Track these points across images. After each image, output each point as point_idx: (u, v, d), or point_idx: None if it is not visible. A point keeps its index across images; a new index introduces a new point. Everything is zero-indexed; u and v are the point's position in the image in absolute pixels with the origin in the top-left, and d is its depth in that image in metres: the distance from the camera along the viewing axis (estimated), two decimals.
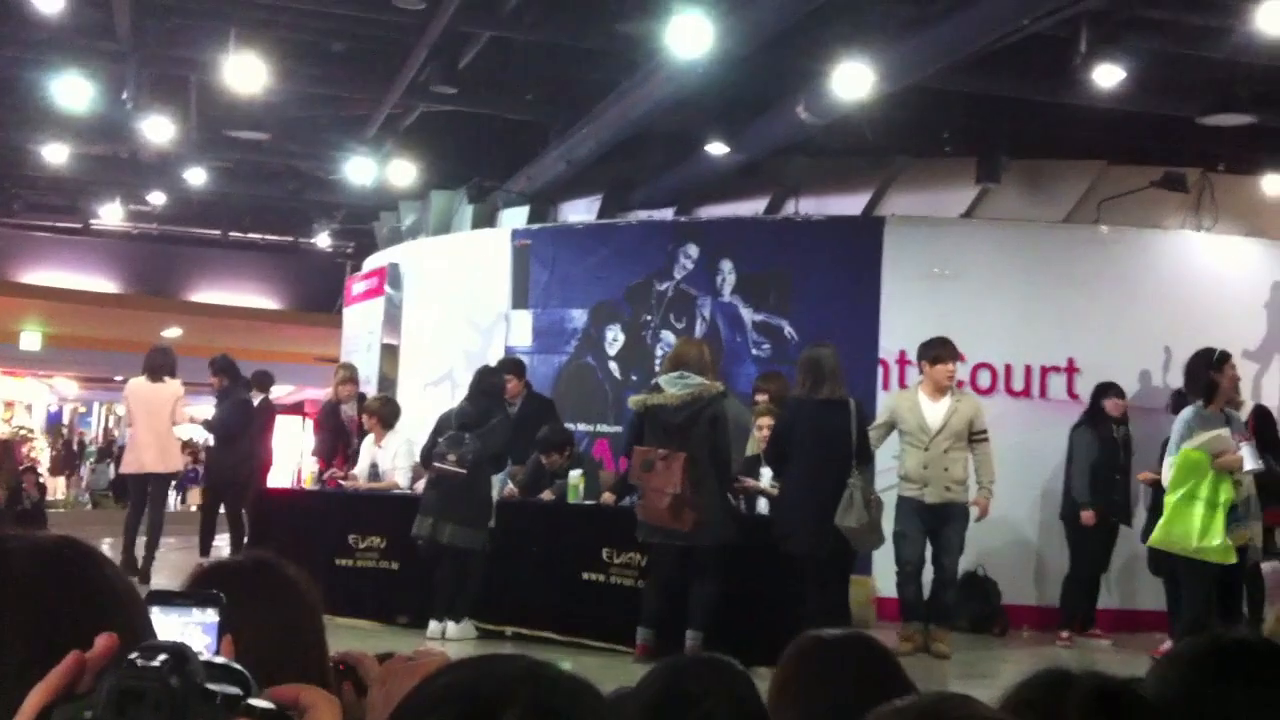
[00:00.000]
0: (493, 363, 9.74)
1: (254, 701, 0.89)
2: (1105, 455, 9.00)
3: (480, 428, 8.08)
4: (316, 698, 0.89)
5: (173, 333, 20.74)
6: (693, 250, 11.04)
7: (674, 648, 6.70)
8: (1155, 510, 8.73)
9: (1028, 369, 10.15)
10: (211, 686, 0.89)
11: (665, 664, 1.58)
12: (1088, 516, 8.97)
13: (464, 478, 7.94)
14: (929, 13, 8.05)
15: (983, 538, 9.04)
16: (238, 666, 0.93)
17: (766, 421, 7.97)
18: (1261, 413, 9.49)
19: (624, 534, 7.68)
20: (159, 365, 10.55)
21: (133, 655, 0.88)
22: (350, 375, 10.87)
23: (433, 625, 7.96)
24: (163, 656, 0.88)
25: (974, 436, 8.41)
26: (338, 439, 10.43)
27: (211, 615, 1.12)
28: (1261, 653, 1.54)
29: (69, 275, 19.02)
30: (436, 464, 8.05)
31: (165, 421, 10.48)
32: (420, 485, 8.86)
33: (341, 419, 10.50)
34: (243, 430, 10.93)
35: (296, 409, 28.62)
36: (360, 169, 12.45)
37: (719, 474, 7.35)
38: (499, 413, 8.33)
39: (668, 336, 11.02)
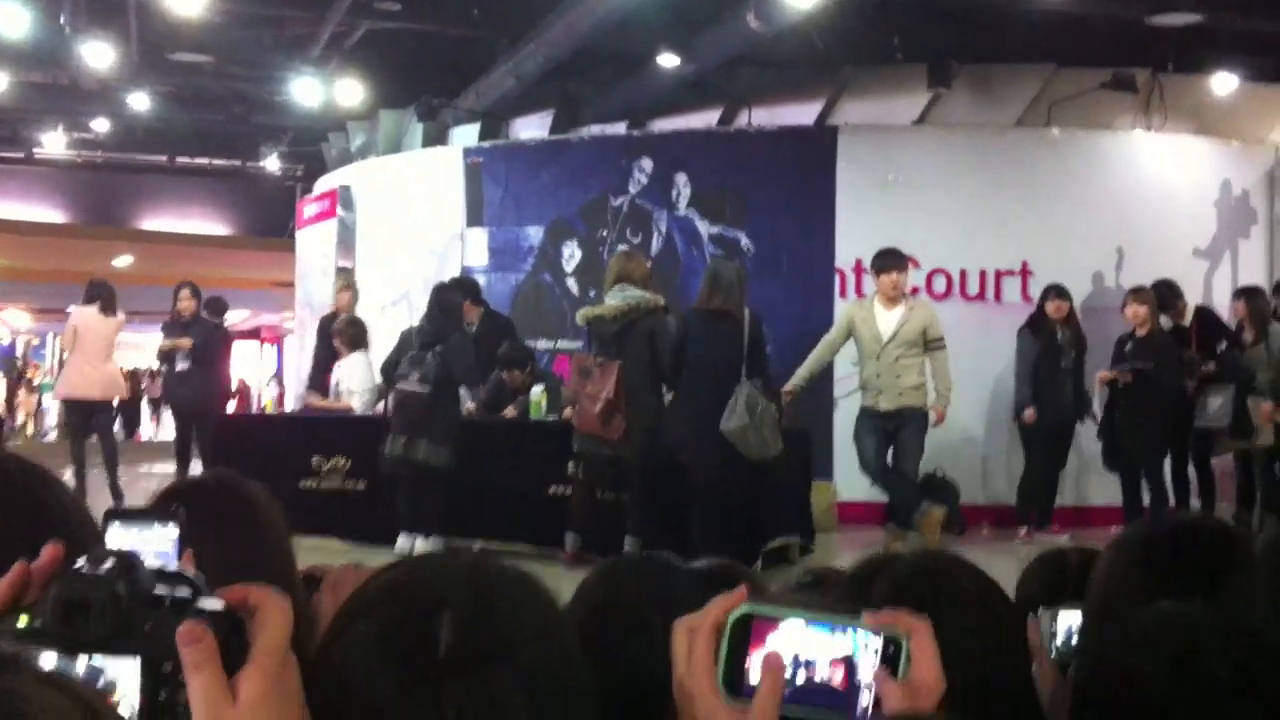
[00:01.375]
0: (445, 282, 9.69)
1: (204, 604, 0.89)
2: (1046, 357, 9.11)
3: (441, 345, 8.09)
4: (266, 597, 0.91)
5: (124, 261, 20.53)
6: (647, 165, 10.99)
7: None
8: (1112, 408, 8.89)
9: (982, 273, 10.23)
10: (160, 592, 0.89)
11: (601, 567, 1.60)
12: (1028, 415, 9.14)
13: (428, 396, 7.99)
14: None
15: (941, 440, 9.16)
16: (188, 572, 0.93)
17: None
18: (1202, 314, 9.61)
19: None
20: (110, 298, 10.45)
21: (79, 564, 0.88)
22: (348, 283, 10.49)
23: (401, 540, 8.02)
24: (109, 564, 0.88)
25: (930, 344, 8.49)
26: (334, 353, 10.00)
27: (171, 531, 1.13)
28: (1213, 534, 1.58)
29: (14, 206, 18.73)
30: (400, 385, 8.08)
31: (109, 352, 10.46)
32: (382, 407, 8.88)
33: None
34: (216, 357, 10.92)
35: (252, 335, 28.52)
36: (306, 90, 12.27)
37: (655, 387, 7.49)
38: (457, 330, 8.34)
39: None
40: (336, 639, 1.02)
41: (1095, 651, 1.37)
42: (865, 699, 1.00)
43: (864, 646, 1.01)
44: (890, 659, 1.01)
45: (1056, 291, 9.21)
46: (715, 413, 7.22)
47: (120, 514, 1.15)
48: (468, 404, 8.85)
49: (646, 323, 7.42)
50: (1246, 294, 9.25)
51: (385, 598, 1.02)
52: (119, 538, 1.10)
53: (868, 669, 1.01)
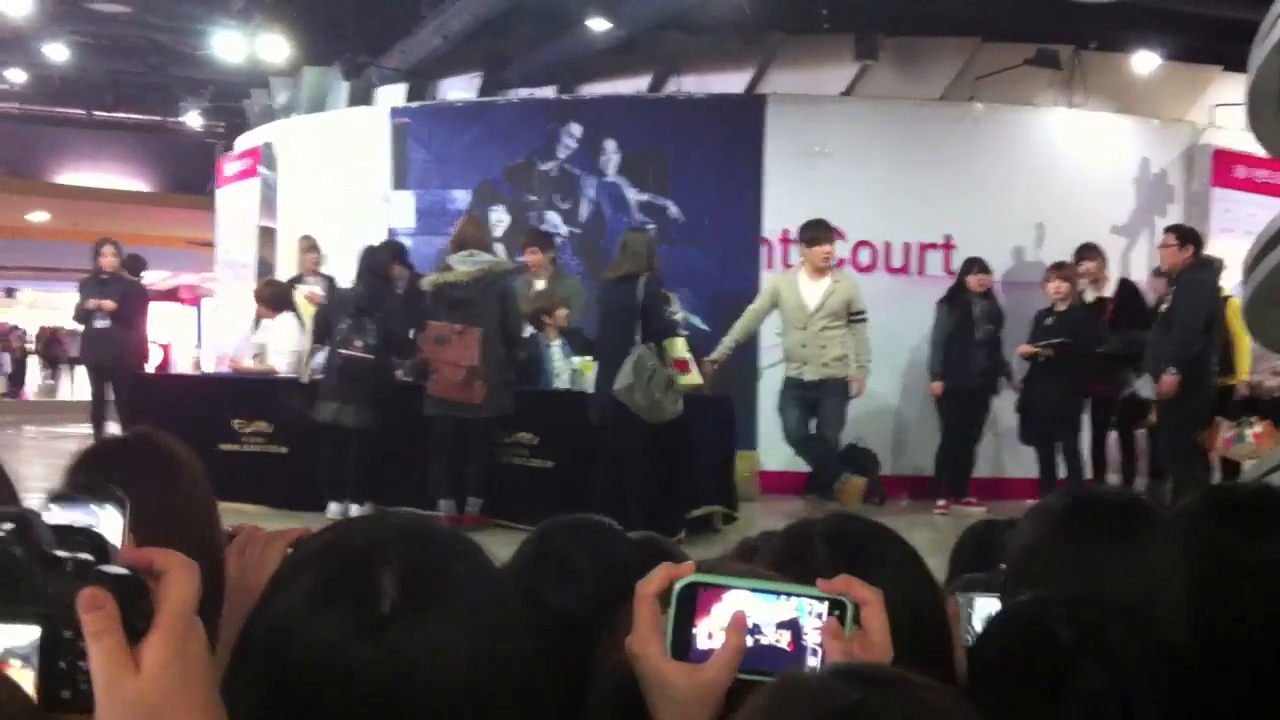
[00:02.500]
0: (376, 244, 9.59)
1: (106, 568, 0.86)
2: (960, 329, 9.22)
3: (375, 311, 8.02)
4: (172, 560, 0.88)
5: (39, 216, 20.08)
6: (575, 129, 10.94)
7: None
8: (1029, 380, 9.02)
9: (906, 246, 10.32)
10: (61, 554, 0.86)
11: (540, 527, 1.66)
12: (934, 388, 9.28)
13: (371, 363, 7.97)
14: None
15: (863, 411, 9.25)
16: (96, 531, 0.91)
17: None
18: (1126, 286, 9.81)
19: (519, 415, 7.82)
20: None
21: None
22: (311, 245, 10.21)
23: (333, 508, 7.96)
24: (6, 525, 0.85)
25: (852, 317, 8.58)
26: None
27: (113, 515, 1.10)
28: (1126, 506, 1.62)
29: None
30: (342, 350, 7.99)
31: None
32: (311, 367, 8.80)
33: (302, 295, 9.69)
34: (135, 315, 10.72)
35: (170, 295, 28.05)
36: (228, 44, 12.03)
37: (507, 348, 7.64)
38: (389, 294, 8.27)
39: (552, 217, 10.96)
40: (278, 589, 1.03)
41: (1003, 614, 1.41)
42: (812, 661, 1.04)
43: (809, 612, 1.05)
44: (837, 618, 1.04)
45: (979, 265, 9.31)
46: (612, 376, 7.36)
47: (61, 496, 1.12)
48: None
49: (498, 285, 7.63)
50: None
51: (327, 551, 1.04)
52: (57, 519, 1.07)
53: (813, 632, 1.03)
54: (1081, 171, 10.51)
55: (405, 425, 8.06)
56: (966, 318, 9.20)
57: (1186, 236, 8.34)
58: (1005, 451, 9.84)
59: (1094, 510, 1.60)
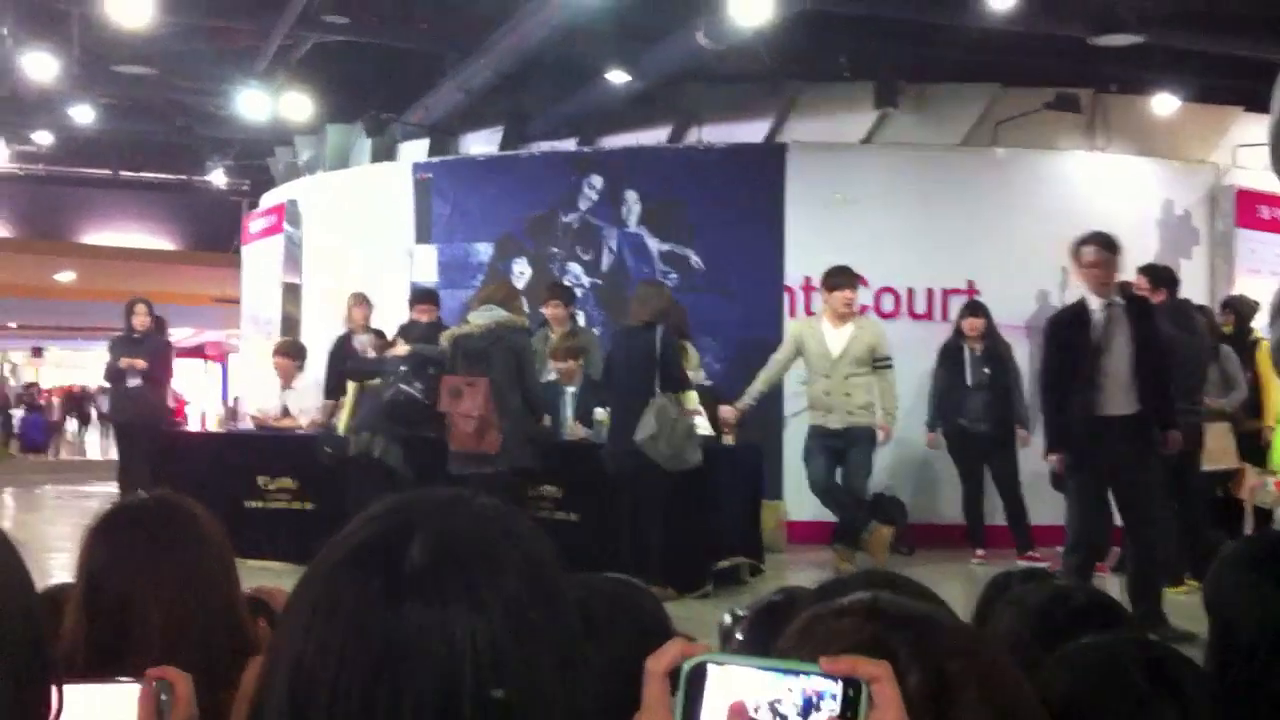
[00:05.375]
0: (397, 299, 9.66)
1: None
2: (951, 375, 9.15)
3: (431, 366, 8.08)
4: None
5: (66, 276, 20.27)
6: (597, 181, 10.98)
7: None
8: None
9: (929, 292, 10.29)
10: None
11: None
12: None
13: (426, 407, 7.98)
14: None
15: (890, 459, 9.19)
16: None
17: None
18: None
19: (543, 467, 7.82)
20: None
21: None
22: (361, 299, 9.93)
23: None
24: None
25: (877, 363, 8.52)
26: (340, 378, 9.47)
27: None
28: None
29: None
30: (403, 386, 8.03)
31: None
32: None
33: (355, 350, 9.45)
34: (165, 374, 10.79)
35: (196, 352, 28.21)
36: (253, 103, 12.13)
37: (525, 402, 7.62)
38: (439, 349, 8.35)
39: (575, 269, 10.99)
40: (320, 559, 1.03)
41: None
42: None
43: (821, 693, 0.99)
44: (850, 704, 0.99)
45: (970, 309, 9.26)
46: (631, 425, 7.32)
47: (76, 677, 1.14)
48: None
49: (511, 339, 7.63)
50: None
51: (364, 522, 1.03)
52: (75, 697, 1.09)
53: (825, 716, 0.99)
54: (1105, 215, 10.41)
55: (436, 478, 8.06)
56: (958, 363, 9.13)
57: (1159, 279, 8.16)
58: (1034, 497, 9.71)
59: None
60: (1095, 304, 6.42)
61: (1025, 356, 9.63)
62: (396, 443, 8.01)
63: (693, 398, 7.86)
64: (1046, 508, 9.17)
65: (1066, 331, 6.49)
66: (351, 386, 8.77)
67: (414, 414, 8.01)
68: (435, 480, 7.85)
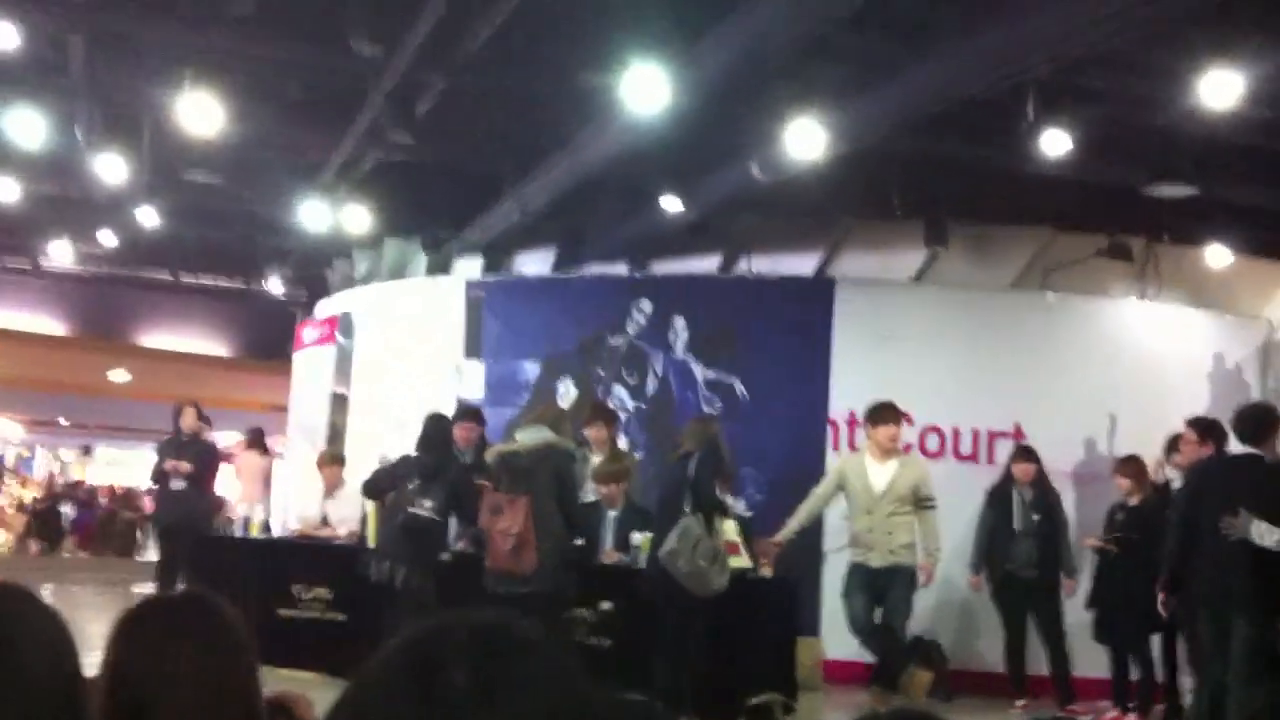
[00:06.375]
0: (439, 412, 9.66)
1: None
2: (999, 519, 9.04)
3: (439, 476, 8.05)
4: None
5: (120, 376, 20.54)
6: (646, 306, 11.06)
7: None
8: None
9: (975, 433, 10.20)
10: None
11: None
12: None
13: (437, 525, 8.00)
14: (881, 75, 8.15)
15: (932, 603, 9.03)
16: None
17: None
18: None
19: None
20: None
21: None
22: (465, 411, 9.51)
23: None
24: None
25: (920, 503, 8.42)
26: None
27: None
28: None
29: (16, 315, 18.82)
30: (411, 509, 7.99)
31: None
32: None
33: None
34: (210, 477, 10.89)
35: None
36: (314, 214, 12.36)
37: (566, 525, 7.58)
38: (452, 462, 8.30)
39: (620, 391, 11.01)
40: (357, 680, 1.03)
41: None
42: None
43: None
44: None
45: (1022, 453, 9.18)
46: (658, 547, 7.35)
47: None
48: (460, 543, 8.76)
49: (557, 460, 7.62)
50: None
51: (402, 644, 1.03)
52: None
53: None
54: (1155, 364, 10.39)
55: (463, 596, 7.99)
56: (1006, 507, 9.02)
57: (1207, 431, 8.05)
58: (1075, 648, 9.48)
59: None
60: None
61: (1072, 504, 9.50)
62: (415, 566, 7.91)
63: (731, 527, 7.80)
64: (1088, 659, 8.97)
65: None
66: (372, 504, 8.75)
67: (427, 536, 7.97)
68: (461, 599, 7.80)
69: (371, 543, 8.55)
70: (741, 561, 7.92)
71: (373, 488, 8.56)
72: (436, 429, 8.36)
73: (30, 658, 1.44)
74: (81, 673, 1.21)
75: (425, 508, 7.96)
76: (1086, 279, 10.65)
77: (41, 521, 23.98)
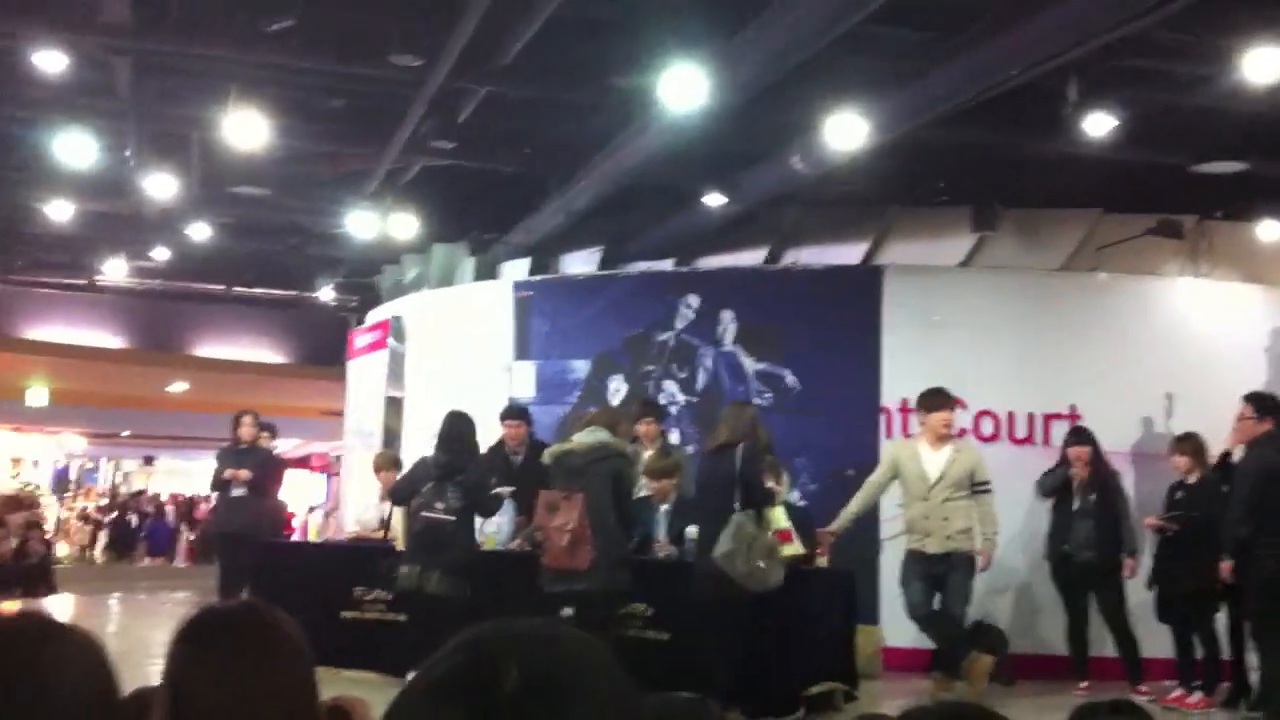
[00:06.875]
0: (494, 413, 9.75)
1: None
2: (1057, 501, 9.01)
3: (458, 475, 8.11)
4: None
5: (178, 387, 20.83)
6: (693, 300, 11.08)
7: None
8: (1161, 557, 8.69)
9: (1030, 416, 10.15)
10: None
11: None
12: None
13: (451, 526, 8.02)
14: (918, 65, 8.12)
15: (990, 586, 9.00)
16: None
17: None
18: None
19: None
20: None
21: None
22: (512, 410, 9.73)
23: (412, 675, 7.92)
24: None
25: (976, 487, 8.39)
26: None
27: None
28: None
29: (74, 331, 19.10)
30: (425, 513, 8.08)
31: None
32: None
33: (510, 469, 9.22)
34: (271, 484, 11.03)
35: (302, 463, 28.69)
36: (362, 223, 12.51)
37: (621, 523, 7.65)
38: (471, 459, 8.36)
39: (670, 387, 11.05)
40: (413, 685, 1.05)
41: None
42: None
43: None
44: None
45: (1076, 435, 9.13)
46: (712, 545, 7.29)
47: None
48: (517, 539, 8.84)
49: (613, 462, 7.69)
50: None
51: (452, 651, 1.05)
52: None
53: None
54: (1210, 341, 10.29)
55: (496, 595, 8.07)
56: (1065, 488, 8.98)
57: (1266, 408, 7.97)
58: (1140, 629, 9.43)
59: None
60: None
61: (1131, 484, 9.44)
62: (441, 570, 7.97)
63: (780, 514, 7.80)
64: (1152, 640, 8.91)
65: None
66: (399, 510, 8.83)
67: (442, 537, 8.00)
68: (515, 598, 7.87)
69: (400, 547, 8.67)
70: (794, 548, 7.93)
71: (398, 493, 8.66)
72: (452, 428, 8.39)
73: (64, 691, 1.47)
74: (118, 701, 1.24)
75: (438, 509, 8.03)
76: (1137, 258, 10.55)
77: (113, 532, 24.43)
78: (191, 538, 25.67)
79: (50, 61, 9.33)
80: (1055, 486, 9.05)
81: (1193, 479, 8.61)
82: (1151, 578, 8.76)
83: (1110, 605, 8.91)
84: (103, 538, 25.42)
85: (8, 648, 1.23)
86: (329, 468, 27.19)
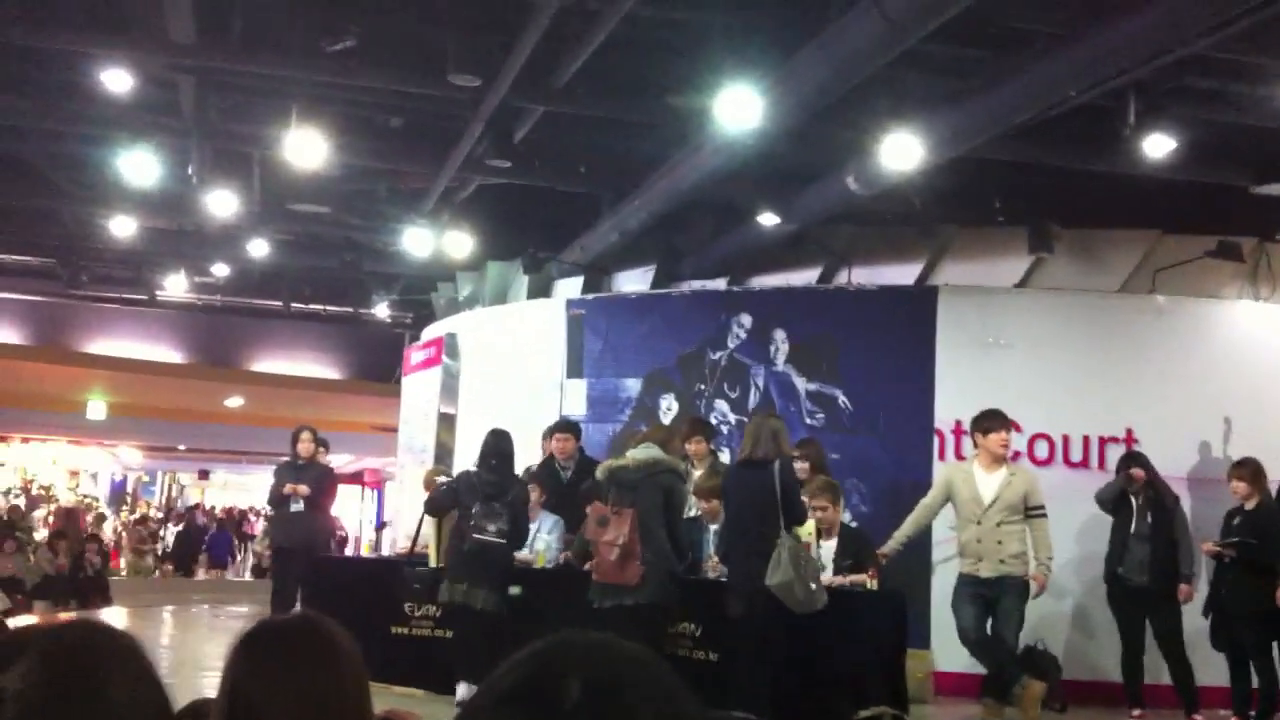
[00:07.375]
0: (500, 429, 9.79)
1: None
2: (1120, 523, 8.91)
3: (504, 496, 8.21)
4: None
5: (235, 402, 21.06)
6: (746, 320, 11.07)
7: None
8: (1217, 583, 8.57)
9: (1085, 439, 10.04)
10: None
11: None
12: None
13: (503, 547, 8.15)
14: (974, 84, 8.10)
15: (1044, 612, 8.90)
16: None
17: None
18: None
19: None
20: None
21: None
22: (562, 424, 9.84)
23: (462, 689, 7.96)
24: None
25: (1030, 511, 8.28)
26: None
27: None
28: None
29: (134, 345, 19.38)
30: (478, 535, 8.15)
31: None
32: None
33: (560, 483, 9.37)
34: (327, 499, 11.14)
35: (356, 478, 28.89)
36: (418, 241, 12.63)
37: (671, 540, 7.62)
38: (514, 480, 8.48)
39: (721, 406, 11.04)
40: (473, 702, 1.06)
41: None
42: None
43: None
44: None
45: (1126, 461, 9.03)
46: (755, 565, 7.22)
47: None
48: (563, 553, 8.87)
49: (665, 477, 7.70)
50: None
51: (515, 665, 1.06)
52: None
53: None
54: (1269, 365, 10.14)
55: (535, 608, 8.11)
56: (1123, 498, 8.88)
57: None
58: (1195, 656, 9.29)
59: None
60: None
61: (1188, 508, 9.31)
62: (492, 588, 8.09)
63: (810, 528, 7.77)
64: (1209, 667, 8.78)
65: None
66: (431, 521, 8.88)
67: (495, 558, 8.12)
68: (562, 613, 7.90)
69: (434, 562, 8.71)
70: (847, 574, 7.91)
71: (435, 505, 8.71)
72: (496, 447, 8.45)
73: (118, 698, 1.48)
74: (171, 712, 1.26)
75: (490, 532, 8.14)
76: (1196, 281, 10.44)
77: (176, 543, 24.69)
78: (241, 556, 25.92)
79: (116, 81, 9.51)
80: (1112, 496, 8.95)
81: (1251, 504, 8.49)
82: (1207, 604, 8.64)
83: (1166, 631, 8.78)
84: (161, 548, 25.69)
85: (69, 658, 1.26)
86: (380, 483, 27.37)
